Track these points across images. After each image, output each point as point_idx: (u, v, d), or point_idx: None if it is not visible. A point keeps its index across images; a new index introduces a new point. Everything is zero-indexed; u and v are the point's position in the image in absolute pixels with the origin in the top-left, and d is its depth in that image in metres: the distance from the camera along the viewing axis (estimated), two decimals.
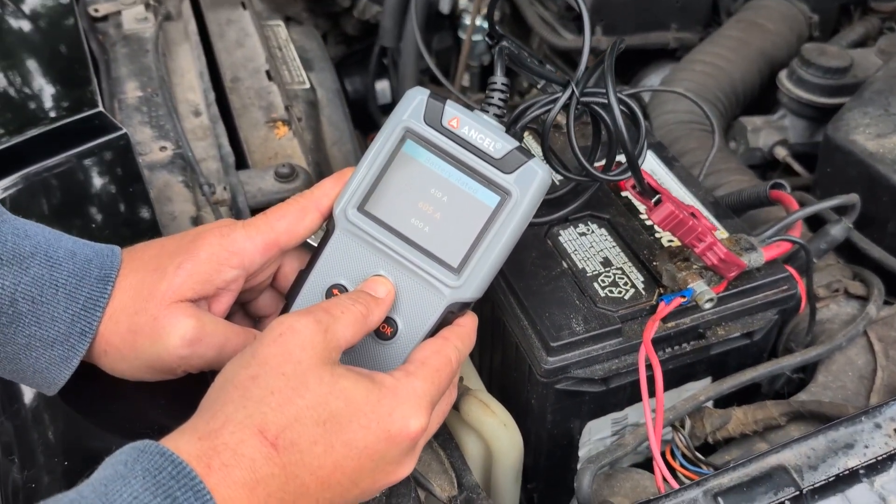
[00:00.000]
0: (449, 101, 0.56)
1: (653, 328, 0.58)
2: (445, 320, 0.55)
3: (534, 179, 0.54)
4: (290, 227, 0.55)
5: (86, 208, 0.69)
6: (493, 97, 0.57)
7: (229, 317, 0.60)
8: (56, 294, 0.50)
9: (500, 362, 0.71)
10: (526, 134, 0.83)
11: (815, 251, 0.73)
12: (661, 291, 0.66)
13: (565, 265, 0.68)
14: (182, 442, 0.41)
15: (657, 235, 0.71)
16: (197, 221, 0.79)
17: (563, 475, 0.73)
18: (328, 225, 0.57)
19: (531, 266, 0.68)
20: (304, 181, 0.81)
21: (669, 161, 0.79)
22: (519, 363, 0.66)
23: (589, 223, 0.72)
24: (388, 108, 1.50)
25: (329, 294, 0.56)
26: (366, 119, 1.50)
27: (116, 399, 0.59)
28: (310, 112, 0.99)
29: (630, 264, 0.68)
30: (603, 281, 0.67)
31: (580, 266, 0.68)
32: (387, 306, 0.52)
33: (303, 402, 0.43)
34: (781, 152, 1.01)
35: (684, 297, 0.61)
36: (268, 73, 1.01)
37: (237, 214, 0.79)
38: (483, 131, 0.55)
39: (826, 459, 0.51)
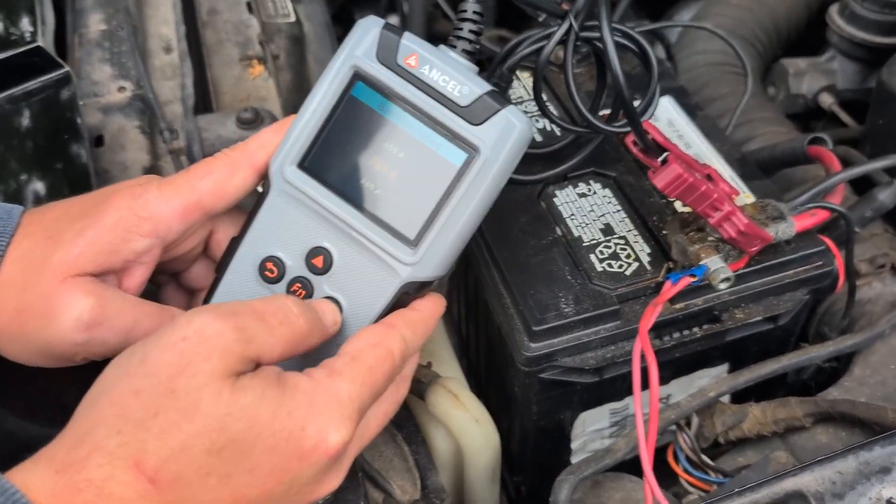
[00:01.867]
0: (406, 34, 0.45)
1: (652, 315, 0.48)
2: (399, 302, 0.46)
3: (510, 133, 0.44)
4: (216, 186, 0.46)
5: (8, 158, 0.60)
6: (461, 28, 0.47)
7: (159, 290, 0.52)
8: None
9: (484, 343, 0.62)
10: (526, 75, 0.72)
11: (859, 219, 0.61)
12: (670, 266, 0.56)
13: (559, 232, 0.58)
14: (34, 477, 0.33)
15: (670, 199, 0.60)
16: (151, 172, 0.70)
17: (553, 467, 0.64)
18: (264, 184, 0.47)
19: (519, 233, 0.58)
20: None
21: (692, 109, 0.68)
22: (501, 347, 0.57)
23: (591, 182, 0.62)
24: None
25: (262, 268, 0.47)
26: None
27: (25, 379, 0.51)
28: (292, 48, 0.89)
29: (635, 232, 0.58)
30: (601, 252, 0.57)
31: (576, 234, 0.58)
32: (328, 336, 0.44)
33: (192, 428, 0.35)
34: (827, 100, 0.89)
35: (694, 276, 0.51)
36: (248, 4, 0.91)
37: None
38: (448, 72, 0.44)
39: (855, 486, 0.41)
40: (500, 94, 0.45)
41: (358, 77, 0.46)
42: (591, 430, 0.62)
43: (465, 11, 0.46)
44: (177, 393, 0.35)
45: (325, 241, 0.46)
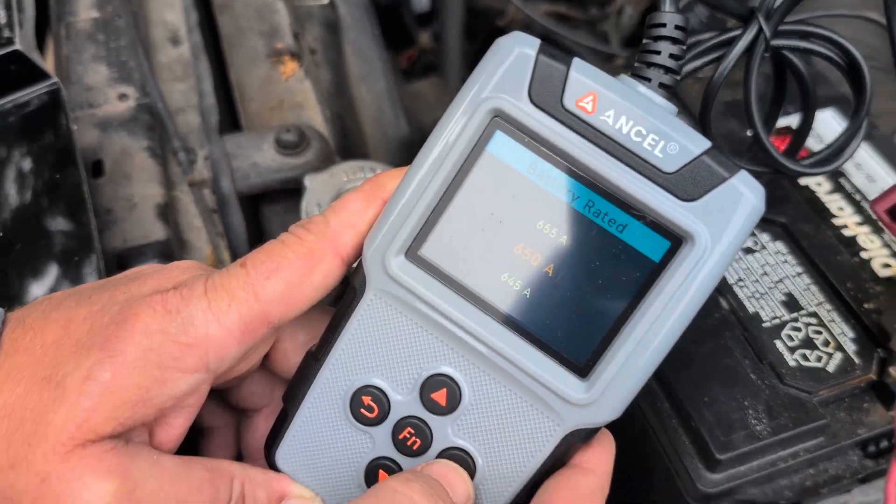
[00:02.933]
0: (577, 62, 0.30)
1: None
2: (562, 457, 0.32)
3: (739, 212, 0.29)
4: (288, 289, 0.31)
5: None
6: (658, 52, 0.31)
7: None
8: None
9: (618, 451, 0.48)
10: None
11: None
12: (883, 356, 0.42)
13: (726, 306, 0.44)
14: None
15: (864, 255, 0.46)
16: (166, 211, 0.55)
17: None
18: (355, 279, 0.33)
19: None
20: (317, 152, 0.56)
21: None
22: (653, 465, 0.43)
23: (755, 232, 0.47)
24: (424, 18, 1.23)
25: (356, 403, 0.32)
26: (398, 32, 1.22)
27: None
28: (328, 39, 0.73)
29: (829, 307, 0.43)
30: (790, 337, 0.42)
31: (750, 309, 0.43)
32: None
33: None
34: None
35: None
36: None
37: (221, 202, 0.55)
38: (644, 121, 0.29)
39: None
40: (723, 154, 0.29)
41: (499, 125, 0.30)
42: None
43: (664, 26, 0.31)
44: None
45: (450, 366, 0.31)
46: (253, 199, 0.57)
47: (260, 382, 0.37)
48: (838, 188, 0.49)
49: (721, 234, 0.29)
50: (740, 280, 0.45)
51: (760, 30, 0.39)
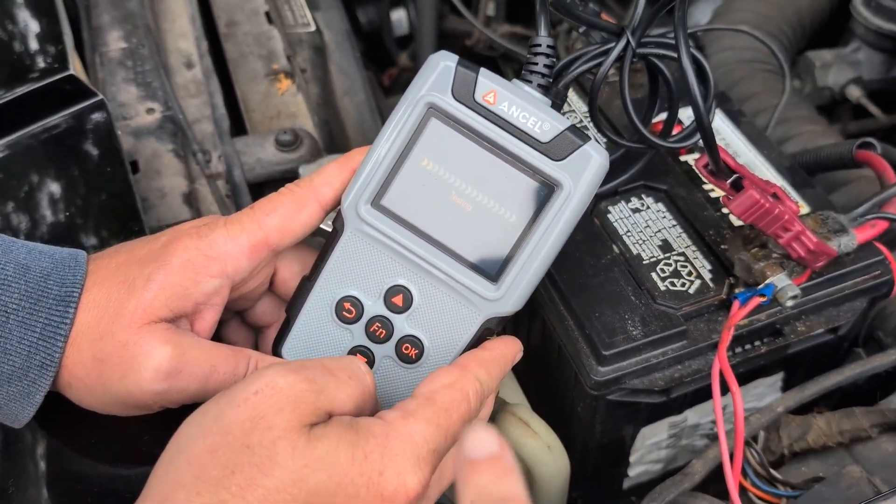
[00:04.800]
0: (483, 71, 0.45)
1: (728, 339, 0.48)
2: (482, 338, 0.46)
3: (588, 167, 0.44)
4: (282, 223, 0.45)
5: (53, 193, 0.59)
6: (536, 63, 0.46)
7: (223, 327, 0.51)
8: (7, 322, 0.42)
9: (539, 359, 0.62)
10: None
11: None
12: (732, 282, 0.56)
13: (616, 250, 0.58)
14: None
15: (724, 210, 0.60)
16: (190, 198, 0.69)
17: (612, 479, 0.65)
18: (336, 223, 0.47)
19: (575, 252, 0.58)
20: (309, 148, 0.71)
21: (735, 116, 0.68)
22: (562, 367, 0.57)
23: (643, 196, 0.61)
24: (404, 41, 1.38)
25: (339, 308, 0.46)
26: (381, 54, 1.37)
27: (101, 423, 0.51)
28: (316, 60, 0.87)
29: (694, 248, 0.58)
30: (663, 270, 0.56)
31: (634, 251, 0.58)
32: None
33: (271, 483, 0.34)
34: (855, 92, 0.89)
35: (764, 296, 0.51)
36: (267, 14, 0.90)
37: (234, 189, 0.70)
38: (526, 108, 0.44)
39: None
40: (580, 129, 0.44)
41: (433, 114, 0.45)
42: (649, 444, 0.62)
43: (539, 45, 0.46)
44: (252, 448, 0.35)
45: (404, 279, 0.46)
46: (258, 186, 0.72)
47: (269, 304, 0.51)
48: None
49: (579, 181, 0.43)
50: (628, 231, 0.59)
51: (628, 42, 0.53)
